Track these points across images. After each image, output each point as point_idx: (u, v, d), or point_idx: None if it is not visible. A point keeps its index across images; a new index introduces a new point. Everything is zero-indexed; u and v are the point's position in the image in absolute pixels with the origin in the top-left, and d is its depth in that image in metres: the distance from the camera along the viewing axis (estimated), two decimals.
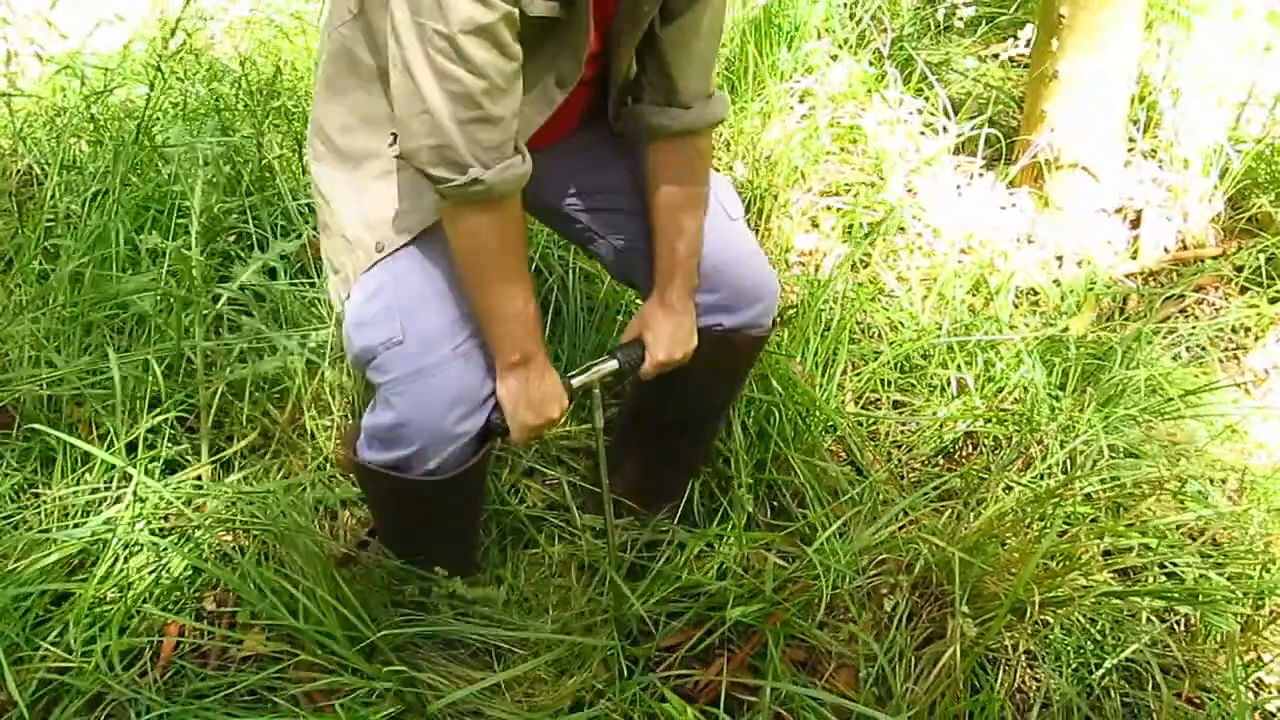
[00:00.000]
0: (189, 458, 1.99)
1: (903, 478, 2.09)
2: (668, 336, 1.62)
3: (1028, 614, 1.67)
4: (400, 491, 1.56)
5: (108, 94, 2.69)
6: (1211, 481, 2.07)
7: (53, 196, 2.40)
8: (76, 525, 1.79)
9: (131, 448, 1.92)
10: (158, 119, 2.62)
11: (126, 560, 1.78)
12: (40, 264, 2.30)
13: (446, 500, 1.62)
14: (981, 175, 2.91)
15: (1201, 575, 1.81)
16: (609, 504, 1.71)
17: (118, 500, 1.85)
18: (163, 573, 1.78)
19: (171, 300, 1.99)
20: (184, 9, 2.71)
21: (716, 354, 1.72)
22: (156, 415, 1.96)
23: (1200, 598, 1.76)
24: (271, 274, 2.21)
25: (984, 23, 3.56)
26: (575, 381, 1.58)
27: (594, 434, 1.73)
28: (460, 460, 1.52)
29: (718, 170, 2.89)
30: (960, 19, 3.39)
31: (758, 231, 2.67)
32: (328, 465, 1.99)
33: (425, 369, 1.44)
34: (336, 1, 1.49)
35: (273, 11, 3.29)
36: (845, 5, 3.37)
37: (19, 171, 2.52)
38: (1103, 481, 1.97)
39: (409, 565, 1.77)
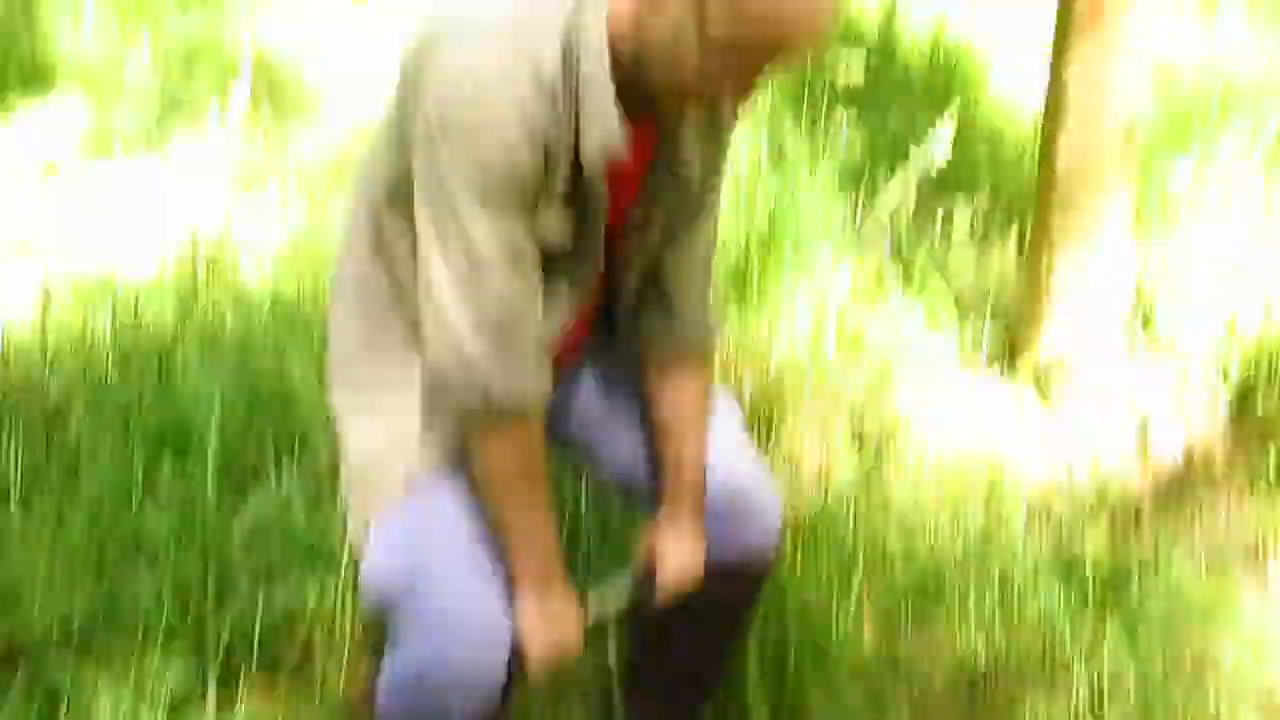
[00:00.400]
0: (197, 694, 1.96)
1: (924, 706, 2.04)
2: (678, 562, 1.59)
3: None
4: None
5: (137, 324, 2.79)
6: (1244, 703, 2.02)
7: (77, 427, 2.46)
8: None
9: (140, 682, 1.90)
10: (181, 348, 2.71)
11: None
12: (61, 493, 2.33)
13: None
14: (985, 376, 2.94)
15: None
16: None
17: None
18: None
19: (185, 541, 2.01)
20: (219, 239, 2.85)
21: (715, 592, 1.67)
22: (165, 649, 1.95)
23: None
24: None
25: (982, 222, 3.66)
26: (592, 617, 1.54)
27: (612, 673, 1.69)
28: (485, 711, 1.45)
29: (722, 380, 2.94)
30: (962, 225, 3.48)
31: (767, 452, 2.69)
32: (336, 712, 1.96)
33: (447, 614, 1.39)
34: (354, 233, 1.53)
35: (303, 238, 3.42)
36: (846, 212, 3.48)
37: (47, 402, 2.59)
38: (1132, 707, 1.92)
39: None
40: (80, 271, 3.15)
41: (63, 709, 1.90)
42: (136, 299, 2.92)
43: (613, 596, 1.58)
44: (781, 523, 1.71)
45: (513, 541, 1.42)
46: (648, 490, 1.67)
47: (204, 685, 1.96)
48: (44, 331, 2.89)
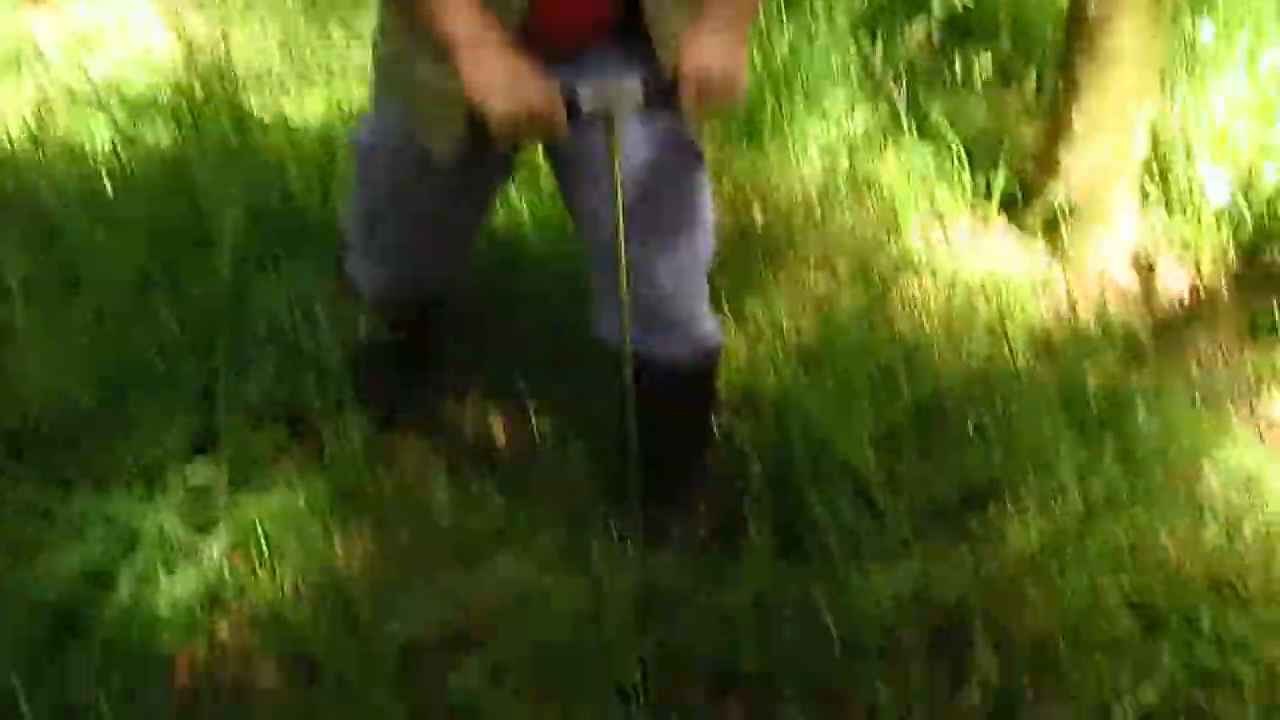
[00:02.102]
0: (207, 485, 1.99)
1: (920, 520, 2.08)
2: (707, 48, 1.47)
3: (1049, 657, 1.65)
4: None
5: (135, 137, 2.74)
6: (1229, 534, 2.06)
7: (78, 232, 2.43)
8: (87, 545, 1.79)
9: (149, 475, 1.92)
10: (183, 160, 2.67)
11: (141, 587, 1.78)
12: (63, 294, 2.32)
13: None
14: (996, 222, 2.94)
15: (1221, 621, 1.79)
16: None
17: (133, 526, 1.85)
18: (177, 600, 1.78)
19: (193, 329, 2.01)
20: (212, 56, 2.78)
21: (651, 377, 1.75)
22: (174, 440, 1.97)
23: (1222, 644, 1.74)
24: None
25: (1000, 73, 3.59)
26: (586, 104, 1.45)
27: (610, 166, 1.52)
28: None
29: (732, 213, 2.92)
30: (981, 71, 3.42)
31: (775, 277, 2.69)
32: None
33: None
34: None
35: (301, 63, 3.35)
36: (862, 57, 3.41)
37: (44, 208, 2.55)
38: (1122, 526, 1.96)
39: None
40: (75, 86, 3.08)
41: (75, 501, 1.92)
42: (133, 110, 2.87)
43: (618, 90, 1.47)
44: (710, 343, 1.83)
45: (435, 13, 1.43)
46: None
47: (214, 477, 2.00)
48: (39, 142, 2.84)
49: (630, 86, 1.46)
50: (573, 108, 1.45)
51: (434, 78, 1.55)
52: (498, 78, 1.43)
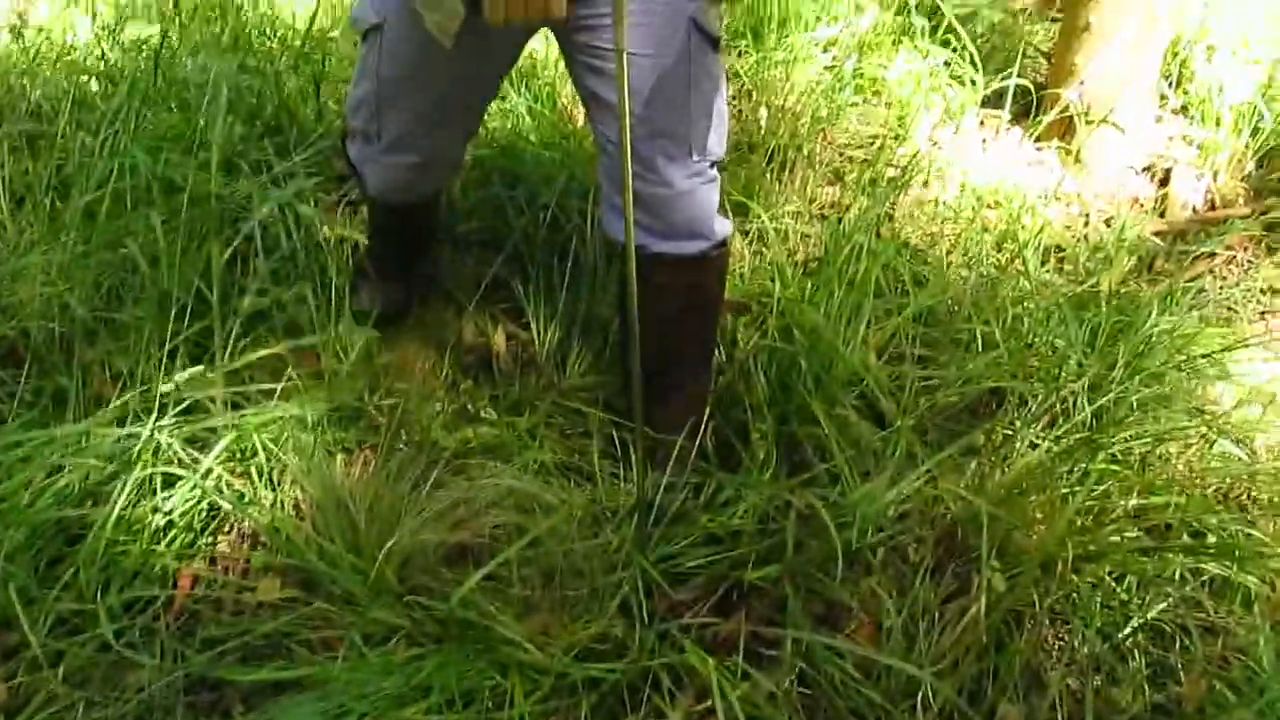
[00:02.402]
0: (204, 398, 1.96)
1: (926, 432, 2.06)
2: None
3: (1055, 570, 1.64)
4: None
5: (119, 29, 2.64)
6: (1239, 442, 2.04)
7: (63, 135, 2.36)
8: (86, 460, 1.76)
9: (145, 388, 1.89)
10: (171, 56, 2.57)
11: (138, 501, 1.76)
12: (52, 202, 2.26)
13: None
14: (1009, 129, 2.86)
15: (1231, 533, 1.77)
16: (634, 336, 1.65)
17: (130, 438, 1.82)
18: (176, 514, 1.76)
19: (188, 237, 1.95)
20: None
21: (656, 276, 1.74)
22: (172, 362, 1.93)
23: (1231, 556, 1.72)
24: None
25: None
26: None
27: (616, 36, 1.39)
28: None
29: (736, 116, 2.84)
30: None
31: (780, 181, 2.62)
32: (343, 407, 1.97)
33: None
34: None
35: None
36: None
37: (29, 109, 2.47)
38: (1131, 438, 1.93)
39: None
40: None
41: (68, 415, 1.89)
42: (117, 6, 2.76)
43: None
44: (719, 237, 1.80)
45: None
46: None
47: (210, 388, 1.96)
48: (22, 41, 2.74)
49: None
50: None
51: None
52: None
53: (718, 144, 1.74)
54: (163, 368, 1.91)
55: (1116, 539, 1.70)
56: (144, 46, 2.60)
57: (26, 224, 2.20)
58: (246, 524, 1.80)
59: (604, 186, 1.81)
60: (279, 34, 2.83)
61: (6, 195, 2.30)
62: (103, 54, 2.63)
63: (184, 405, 1.88)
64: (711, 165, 1.75)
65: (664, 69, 1.63)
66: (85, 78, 2.53)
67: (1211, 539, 1.78)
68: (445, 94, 1.78)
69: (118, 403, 1.85)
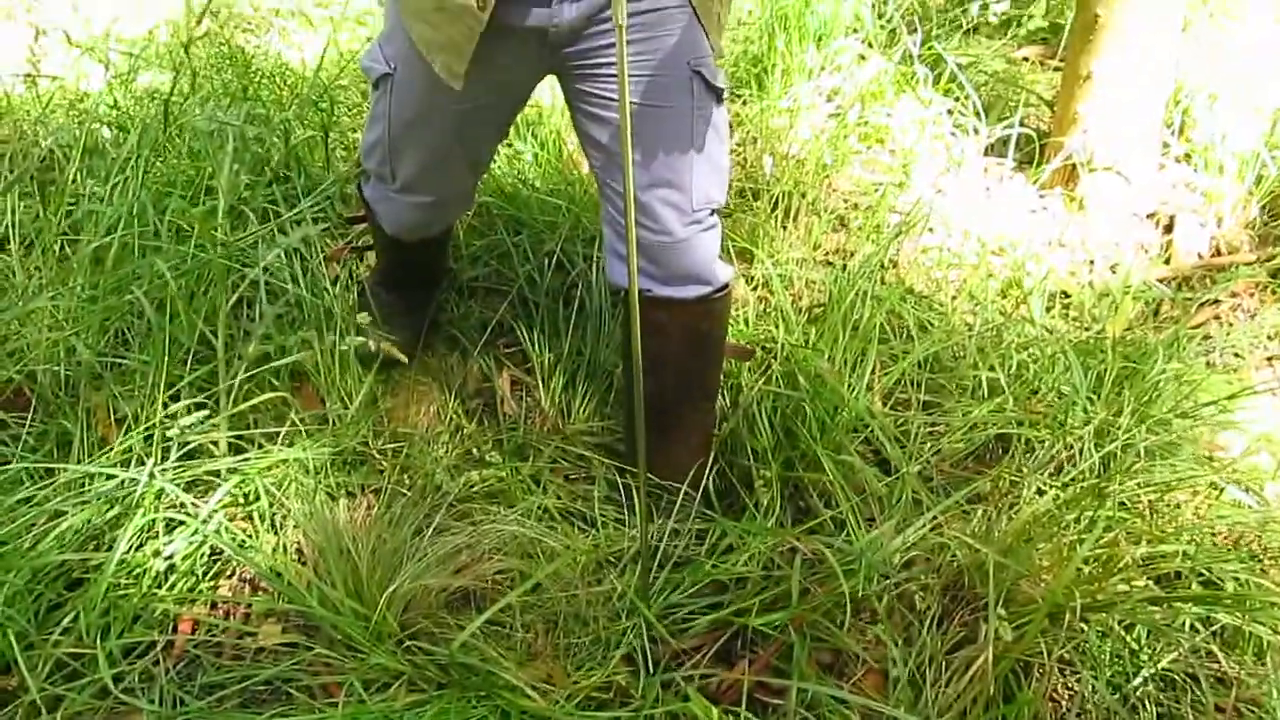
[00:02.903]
0: (207, 442, 1.96)
1: (931, 479, 2.05)
2: None
3: (1064, 620, 1.62)
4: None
5: (131, 78, 2.67)
6: (1248, 489, 2.02)
7: (74, 181, 2.38)
8: (88, 504, 1.75)
9: (149, 432, 1.89)
10: (182, 104, 2.60)
11: (141, 545, 1.75)
12: (61, 246, 2.28)
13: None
14: (1012, 177, 2.87)
15: (1242, 582, 1.75)
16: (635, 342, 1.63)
17: (132, 482, 1.82)
18: (178, 559, 1.75)
19: (194, 282, 1.96)
20: None
21: (657, 320, 1.75)
22: (175, 399, 1.93)
23: (1242, 605, 1.70)
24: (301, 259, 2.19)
25: (1015, 24, 3.52)
26: None
27: (618, 64, 1.40)
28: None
29: (741, 164, 2.86)
30: (994, 15, 3.34)
31: (784, 228, 2.64)
32: (346, 452, 1.96)
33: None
34: None
35: (301, 3, 3.28)
36: (874, 4, 3.33)
37: (41, 155, 2.50)
38: (1139, 485, 1.92)
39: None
40: (71, 30, 3.01)
41: (72, 458, 1.89)
42: (130, 55, 2.80)
43: None
44: (721, 282, 1.81)
45: None
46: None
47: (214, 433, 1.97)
48: (34, 85, 2.78)
49: None
50: None
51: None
52: None
53: (719, 193, 1.75)
54: (167, 411, 1.91)
55: (1125, 588, 1.68)
56: (155, 95, 2.63)
57: (35, 269, 2.22)
58: (248, 568, 1.79)
59: (606, 233, 1.82)
60: (289, 81, 2.87)
61: (16, 240, 2.32)
62: (115, 102, 2.67)
63: (188, 449, 1.89)
64: (711, 213, 1.76)
65: (665, 119, 1.65)
66: (97, 125, 2.56)
67: (1222, 588, 1.76)
68: (456, 137, 1.80)
69: (121, 446, 1.86)
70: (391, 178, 1.89)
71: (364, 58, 1.80)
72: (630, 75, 1.58)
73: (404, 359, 2.06)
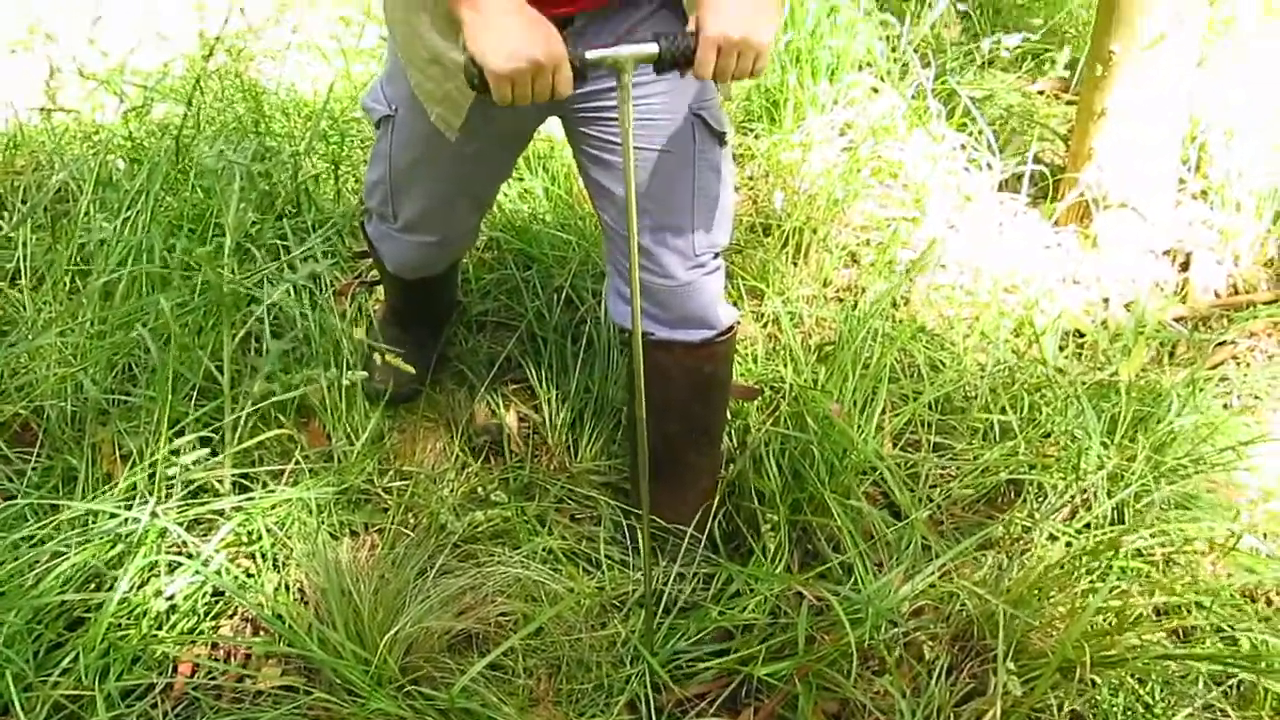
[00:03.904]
0: (212, 480, 1.95)
1: (942, 524, 2.02)
2: (730, 10, 1.35)
3: (1075, 674, 1.59)
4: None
5: (145, 111, 2.68)
6: (1265, 536, 1.99)
7: (86, 213, 2.39)
8: (91, 543, 1.75)
9: (153, 470, 1.88)
10: (195, 137, 2.61)
11: (142, 585, 1.74)
12: (71, 280, 2.29)
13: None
14: (1026, 213, 2.85)
15: (1259, 638, 1.72)
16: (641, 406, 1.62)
17: (135, 521, 1.81)
18: (179, 598, 1.74)
19: (202, 318, 1.96)
20: (223, 29, 2.72)
21: (661, 362, 1.74)
22: (179, 436, 1.92)
23: (1257, 662, 1.66)
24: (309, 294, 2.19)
25: (1029, 58, 3.50)
26: (590, 53, 1.37)
27: (622, 130, 1.43)
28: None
29: (754, 200, 2.85)
30: (1006, 50, 3.33)
31: (795, 264, 2.62)
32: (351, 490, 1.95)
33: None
34: None
35: (313, 35, 3.30)
36: (887, 39, 3.32)
37: (55, 187, 2.51)
38: (1154, 535, 1.88)
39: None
40: (88, 59, 3.03)
41: (77, 494, 1.89)
42: (144, 88, 2.81)
43: (630, 45, 1.39)
44: (725, 326, 1.80)
45: None
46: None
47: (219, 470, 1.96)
48: (48, 118, 2.79)
49: (643, 44, 1.38)
50: (579, 63, 1.37)
51: (441, 49, 1.54)
52: (501, 36, 1.35)
53: (722, 235, 1.74)
54: (171, 448, 1.90)
55: (1138, 642, 1.64)
56: (169, 129, 2.64)
57: (44, 303, 2.22)
58: (249, 609, 1.78)
59: (609, 273, 1.81)
60: (301, 112, 2.88)
61: (27, 273, 2.33)
62: (129, 134, 2.68)
63: (192, 486, 1.88)
64: (715, 256, 1.75)
65: (667, 163, 1.64)
66: (111, 157, 2.58)
67: (1237, 643, 1.72)
68: (458, 178, 1.80)
69: (125, 483, 1.85)
70: (393, 217, 1.89)
71: (366, 97, 1.80)
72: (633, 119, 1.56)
73: (411, 370, 2.03)
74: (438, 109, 1.62)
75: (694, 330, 1.77)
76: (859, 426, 2.05)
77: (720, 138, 1.66)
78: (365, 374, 2.01)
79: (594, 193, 1.76)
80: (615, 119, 1.60)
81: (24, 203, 2.54)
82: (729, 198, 1.73)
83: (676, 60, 1.39)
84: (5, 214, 2.55)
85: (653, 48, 1.38)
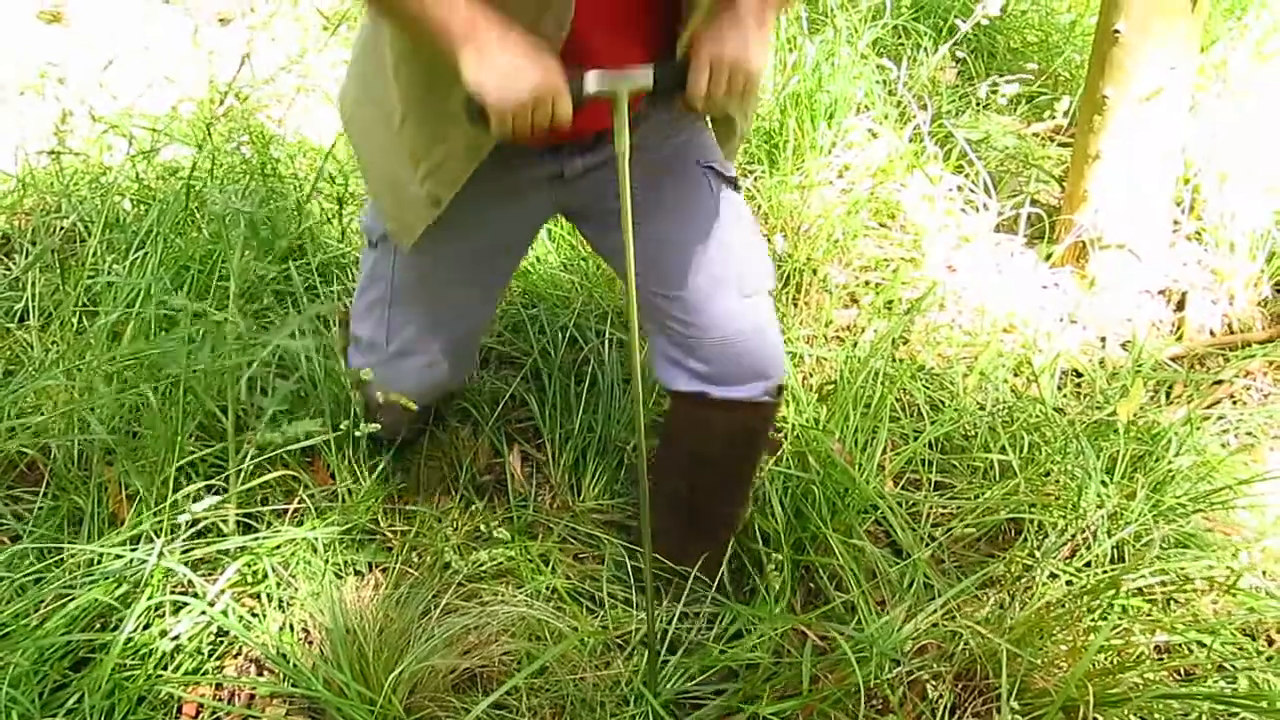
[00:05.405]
0: (217, 520, 1.96)
1: (943, 562, 2.03)
2: (722, 35, 1.37)
3: (1079, 713, 1.59)
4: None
5: (154, 154, 2.72)
6: (1264, 573, 2.00)
7: (95, 255, 2.42)
8: (96, 583, 1.75)
9: (159, 512, 1.89)
10: (203, 180, 2.65)
11: (148, 625, 1.75)
12: (79, 321, 2.31)
13: None
14: (1023, 254, 2.88)
15: (1260, 676, 1.72)
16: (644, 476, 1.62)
17: (142, 562, 1.82)
18: (184, 639, 1.74)
19: (206, 361, 1.98)
20: (236, 75, 2.77)
21: (710, 419, 1.71)
22: (187, 483, 1.93)
23: (1259, 701, 1.67)
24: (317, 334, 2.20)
25: (1024, 101, 3.55)
26: (591, 83, 1.37)
27: (617, 166, 1.43)
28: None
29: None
30: (1002, 96, 3.38)
31: (795, 305, 2.65)
32: (355, 530, 1.96)
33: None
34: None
35: (321, 80, 3.34)
36: (885, 82, 3.38)
37: (63, 229, 2.54)
38: (1155, 574, 1.89)
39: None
40: (96, 106, 3.07)
41: (83, 535, 1.90)
42: (154, 131, 2.85)
43: (626, 73, 1.40)
44: (782, 375, 1.73)
45: (427, 13, 1.33)
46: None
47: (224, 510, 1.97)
48: (58, 160, 2.83)
49: (639, 72, 1.40)
50: (577, 90, 1.38)
51: (403, 180, 1.58)
52: (501, 69, 1.34)
53: (764, 278, 1.71)
54: (176, 494, 1.92)
55: (1140, 681, 1.65)
56: (177, 172, 2.68)
57: (52, 343, 2.24)
58: (254, 649, 1.78)
59: (651, 332, 1.75)
60: (308, 157, 2.91)
61: (36, 313, 2.35)
62: (137, 176, 2.71)
63: (198, 526, 1.89)
64: (768, 294, 1.71)
65: (691, 216, 1.64)
66: (119, 198, 2.61)
67: (1240, 682, 1.73)
68: (461, 294, 1.79)
69: (131, 523, 1.86)
70: (385, 343, 1.82)
71: (363, 218, 1.80)
72: (644, 186, 1.57)
73: (413, 407, 1.99)
74: (393, 225, 1.67)
75: (750, 385, 1.70)
76: (860, 466, 2.06)
77: (732, 182, 1.68)
78: (378, 425, 1.97)
79: (616, 264, 1.75)
80: (610, 197, 1.55)
81: (33, 244, 2.57)
82: (757, 233, 1.74)
83: (671, 83, 1.40)
84: (15, 255, 2.58)
85: (648, 74, 1.40)
